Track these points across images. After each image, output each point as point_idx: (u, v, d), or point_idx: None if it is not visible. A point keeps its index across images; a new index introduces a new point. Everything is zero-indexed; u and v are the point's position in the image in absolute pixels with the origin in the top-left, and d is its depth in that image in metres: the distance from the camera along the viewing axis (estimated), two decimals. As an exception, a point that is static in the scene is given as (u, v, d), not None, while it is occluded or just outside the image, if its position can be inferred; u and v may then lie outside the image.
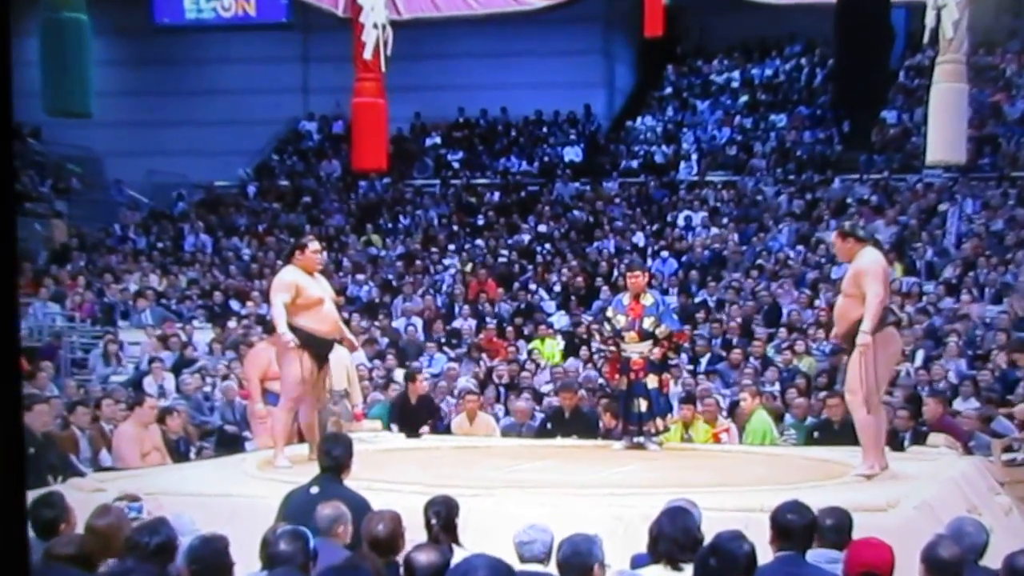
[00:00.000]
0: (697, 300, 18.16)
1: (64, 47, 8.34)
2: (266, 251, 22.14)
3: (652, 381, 10.11)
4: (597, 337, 10.92)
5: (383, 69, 11.19)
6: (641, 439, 10.16)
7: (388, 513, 5.48)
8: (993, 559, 5.39)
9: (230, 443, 12.56)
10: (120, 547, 5.30)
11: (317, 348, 9.02)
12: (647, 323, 10.09)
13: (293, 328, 8.79)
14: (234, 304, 19.50)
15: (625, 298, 10.33)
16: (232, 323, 17.78)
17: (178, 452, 10.85)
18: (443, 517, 5.72)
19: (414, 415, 11.51)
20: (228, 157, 26.33)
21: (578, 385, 12.78)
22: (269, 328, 11.37)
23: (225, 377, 14.52)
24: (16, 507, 2.06)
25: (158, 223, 24.30)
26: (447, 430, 11.93)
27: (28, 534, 2.17)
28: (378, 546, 5.30)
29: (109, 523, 5.55)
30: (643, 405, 10.08)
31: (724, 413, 11.93)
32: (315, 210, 24.32)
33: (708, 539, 5.09)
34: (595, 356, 14.90)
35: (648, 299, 10.23)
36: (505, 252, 21.38)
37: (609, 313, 10.40)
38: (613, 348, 10.30)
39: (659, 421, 10.19)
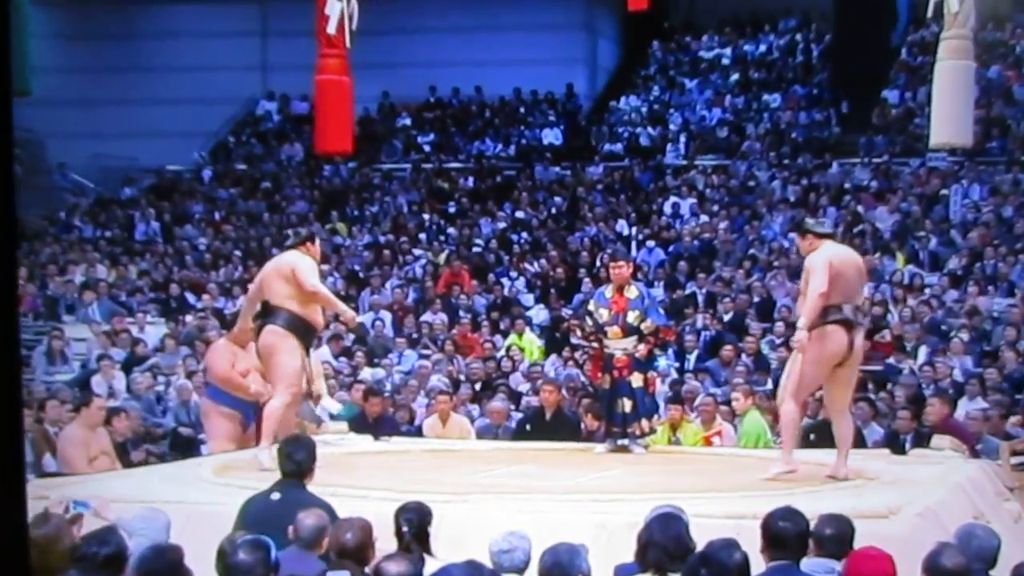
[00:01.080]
0: (686, 293, 18.20)
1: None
2: (223, 240, 22.10)
3: (637, 380, 10.13)
4: (578, 332, 10.95)
5: (348, 44, 11.16)
6: (625, 441, 10.17)
7: (357, 521, 5.48)
8: (1001, 570, 5.42)
9: (185, 446, 12.55)
10: (60, 559, 5.26)
11: (309, 341, 9.32)
12: (631, 317, 10.11)
13: (298, 316, 9.03)
14: (189, 297, 19.46)
15: (608, 291, 10.35)
16: (189, 317, 17.76)
17: (126, 456, 10.83)
18: (415, 525, 5.73)
19: (370, 433, 11.40)
20: (181, 139, 26.23)
21: (561, 382, 12.81)
22: (227, 324, 11.40)
23: (191, 375, 14.47)
24: (16, 507, 2.10)
25: (106, 210, 24.23)
26: (418, 432, 11.94)
27: (28, 534, 2.22)
28: (346, 556, 5.31)
29: (47, 533, 5.50)
30: (627, 405, 10.09)
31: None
32: (276, 196, 24.27)
33: (697, 548, 5.11)
34: (576, 353, 14.93)
35: (632, 292, 10.25)
36: (480, 241, 21.37)
37: (591, 307, 10.41)
38: (595, 344, 10.32)
39: (644, 422, 10.21)
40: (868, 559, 5.06)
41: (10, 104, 2.11)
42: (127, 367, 15.58)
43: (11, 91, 2.12)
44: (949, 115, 10.50)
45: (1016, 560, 5.32)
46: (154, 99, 26.99)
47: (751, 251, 19.46)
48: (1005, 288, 17.16)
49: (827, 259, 8.45)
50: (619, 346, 10.13)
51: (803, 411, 9.10)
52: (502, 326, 17.32)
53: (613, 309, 10.17)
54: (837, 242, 9.00)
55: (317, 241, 9.54)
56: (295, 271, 9.07)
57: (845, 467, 8.65)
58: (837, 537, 5.39)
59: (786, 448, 8.85)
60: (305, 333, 9.16)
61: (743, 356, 14.90)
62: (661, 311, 10.66)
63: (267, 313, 9.19)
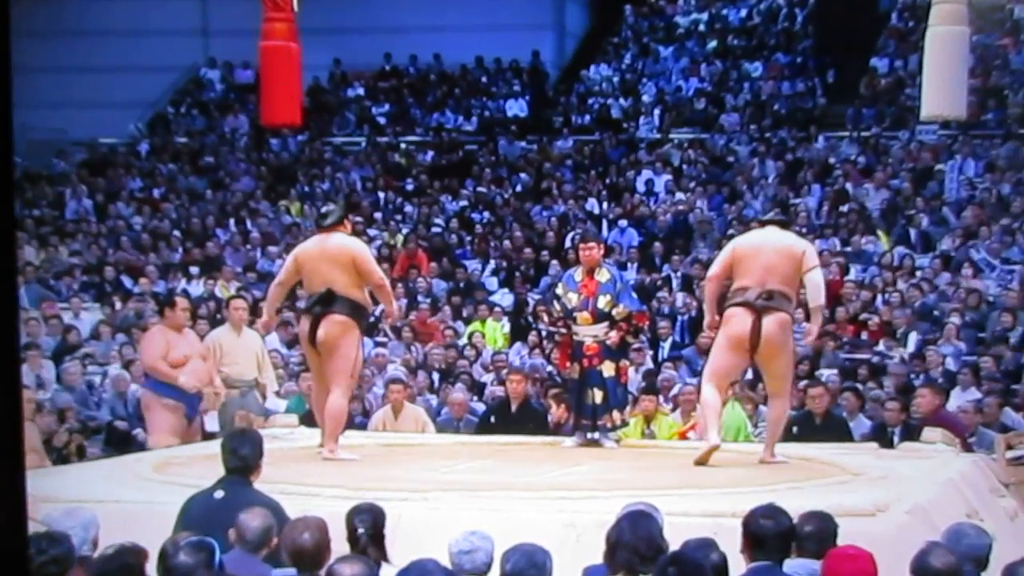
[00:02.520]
0: (661, 276, 18.24)
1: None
2: (162, 219, 22.01)
3: (608, 369, 10.15)
4: (545, 318, 10.97)
5: (296, 8, 11.14)
6: (595, 435, 10.20)
7: (314, 520, 5.49)
8: (994, 571, 5.46)
9: (121, 441, 12.53)
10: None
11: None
12: (602, 302, 10.12)
13: (361, 305, 9.45)
14: (126, 281, 19.39)
15: (577, 273, 10.36)
16: (119, 303, 17.69)
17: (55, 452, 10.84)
18: (371, 526, 5.74)
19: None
20: (116, 110, 26.10)
21: (528, 372, 12.82)
22: (162, 308, 11.37)
23: (128, 364, 14.41)
24: (15, 505, 2.15)
25: (34, 187, 24.07)
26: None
27: (28, 532, 2.30)
28: (301, 558, 5.31)
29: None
30: (598, 396, 10.11)
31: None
32: (219, 172, 24.19)
33: (672, 548, 5.14)
34: (544, 341, 14.96)
35: (603, 275, 10.27)
36: (439, 221, 21.36)
37: (559, 290, 10.42)
38: (563, 331, 10.33)
39: (616, 414, 10.23)
40: (847, 558, 5.05)
41: (10, 100, 2.12)
42: (57, 356, 15.51)
43: (11, 87, 2.13)
44: (942, 85, 10.56)
45: (1012, 559, 5.35)
46: (86, 66, 26.82)
47: (730, 231, 19.47)
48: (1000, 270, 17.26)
49: (731, 246, 9.23)
50: (589, 333, 10.15)
51: (723, 395, 9.50)
52: (464, 312, 17.32)
53: (583, 293, 10.18)
54: (781, 228, 9.30)
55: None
56: (357, 260, 9.30)
57: (768, 452, 9.13)
58: (817, 535, 5.41)
59: (709, 429, 9.14)
60: (364, 321, 9.72)
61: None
62: (634, 295, 10.66)
63: (327, 301, 9.25)
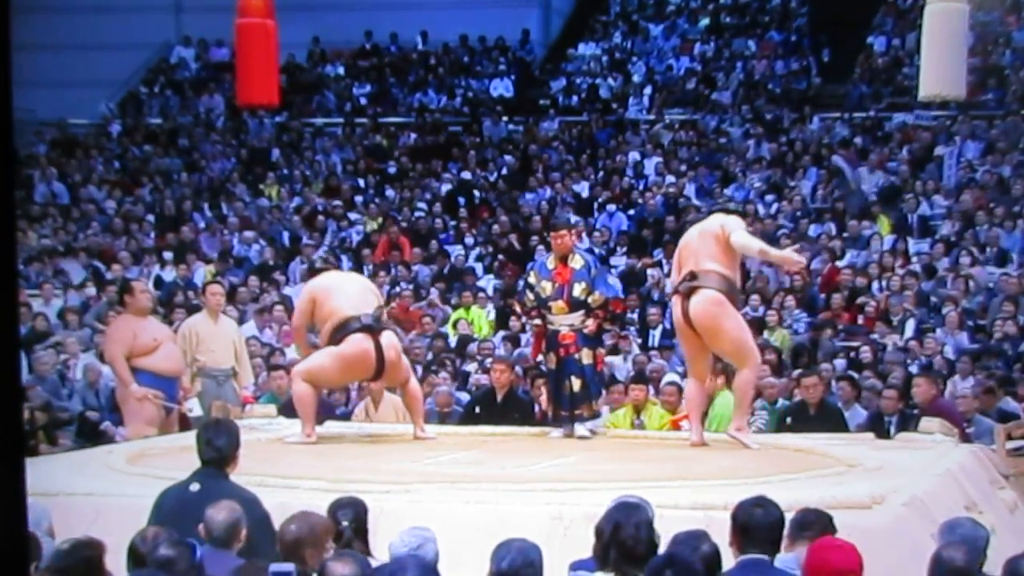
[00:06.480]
0: (652, 260, 18.24)
1: None
2: (135, 202, 21.97)
3: (586, 357, 10.11)
4: (518, 309, 10.94)
5: (273, -17, 11.13)
6: (573, 425, 10.18)
7: (315, 517, 5.49)
8: (996, 563, 5.48)
9: (92, 432, 12.50)
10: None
11: None
12: (577, 290, 10.05)
13: None
14: (98, 266, 19.36)
15: (550, 261, 10.30)
16: (77, 295, 17.67)
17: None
18: (354, 520, 5.74)
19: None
20: (86, 89, 26.01)
21: (513, 361, 12.81)
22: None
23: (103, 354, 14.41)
24: (16, 505, 2.15)
25: None
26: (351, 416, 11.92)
27: (28, 533, 2.31)
28: (291, 552, 5.30)
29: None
30: (576, 384, 10.05)
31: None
32: (193, 154, 24.13)
33: (664, 541, 5.15)
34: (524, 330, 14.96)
35: (577, 261, 10.20)
36: (423, 205, 21.35)
37: (532, 279, 10.33)
38: (538, 321, 10.30)
39: (593, 404, 10.21)
40: (830, 549, 5.01)
41: (10, 96, 2.13)
42: (27, 344, 15.47)
43: (10, 85, 2.14)
44: (941, 64, 10.57)
45: (1012, 553, 5.37)
46: (55, 43, 26.70)
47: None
48: (998, 255, 17.26)
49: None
50: (565, 322, 10.10)
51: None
52: (452, 299, 17.29)
53: (556, 281, 10.11)
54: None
55: None
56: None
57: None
58: (817, 528, 5.41)
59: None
60: None
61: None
62: (611, 281, 10.55)
63: (380, 319, 10.09)
